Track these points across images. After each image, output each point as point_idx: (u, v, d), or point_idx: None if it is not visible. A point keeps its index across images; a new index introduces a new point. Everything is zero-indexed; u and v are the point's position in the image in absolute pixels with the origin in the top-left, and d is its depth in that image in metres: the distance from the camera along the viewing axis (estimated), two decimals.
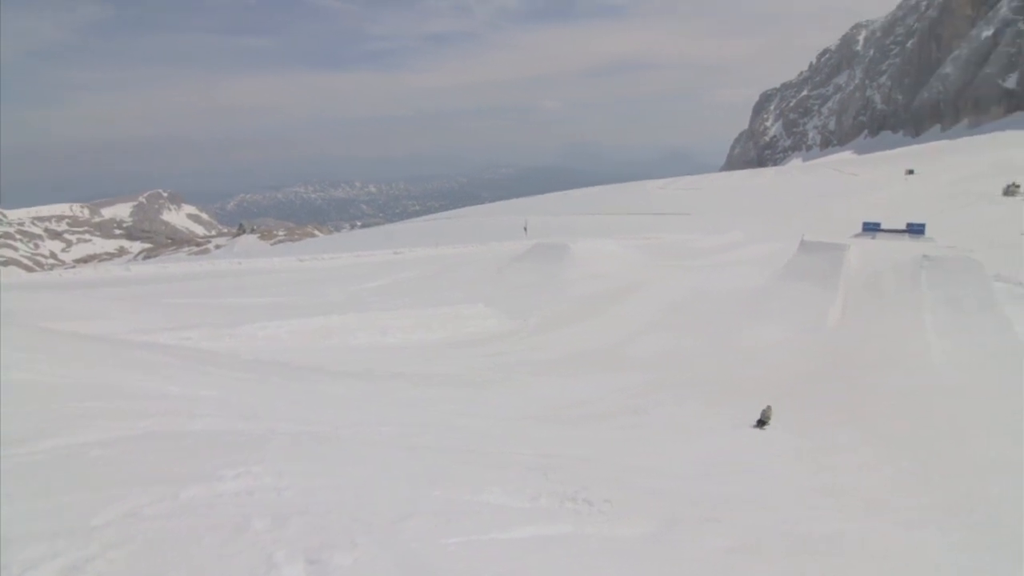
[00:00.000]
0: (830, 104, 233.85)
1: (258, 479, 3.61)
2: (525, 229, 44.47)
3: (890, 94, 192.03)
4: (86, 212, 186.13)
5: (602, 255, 27.15)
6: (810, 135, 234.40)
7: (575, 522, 3.40)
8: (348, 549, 2.64)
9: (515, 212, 62.77)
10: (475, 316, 18.72)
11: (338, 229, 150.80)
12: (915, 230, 28.68)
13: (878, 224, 30.62)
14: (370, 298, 22.00)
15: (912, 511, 5.66)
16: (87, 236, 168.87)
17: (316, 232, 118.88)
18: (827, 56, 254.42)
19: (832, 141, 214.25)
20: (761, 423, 9.16)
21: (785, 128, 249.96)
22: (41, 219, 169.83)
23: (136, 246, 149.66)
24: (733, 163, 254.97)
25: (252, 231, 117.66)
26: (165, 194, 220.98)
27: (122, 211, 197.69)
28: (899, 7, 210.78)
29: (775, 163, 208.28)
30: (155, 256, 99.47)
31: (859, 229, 30.90)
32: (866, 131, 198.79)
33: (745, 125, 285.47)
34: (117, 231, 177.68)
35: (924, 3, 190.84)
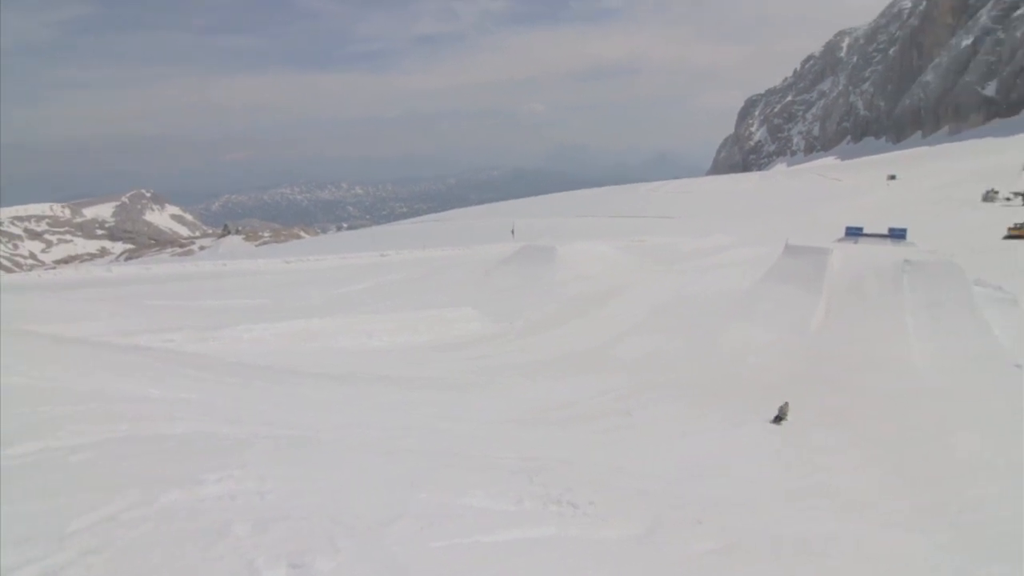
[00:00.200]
0: (814, 110, 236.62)
1: (240, 483, 3.57)
2: (512, 232, 44.48)
3: (873, 100, 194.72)
4: (67, 212, 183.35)
5: (589, 258, 27.22)
6: (794, 140, 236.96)
7: (559, 524, 3.40)
8: (330, 554, 2.62)
9: (502, 215, 62.78)
10: (461, 319, 18.68)
11: (324, 231, 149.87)
12: (897, 235, 29.06)
13: (860, 229, 31.01)
14: (356, 301, 21.89)
15: (898, 512, 5.73)
16: (68, 236, 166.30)
17: (302, 234, 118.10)
18: (811, 63, 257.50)
19: (816, 146, 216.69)
20: (778, 419, 9.30)
21: (770, 133, 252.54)
22: (20, 219, 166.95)
23: (118, 247, 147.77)
24: (719, 167, 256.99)
25: (237, 232, 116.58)
26: (148, 194, 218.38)
27: (104, 211, 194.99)
28: (882, 15, 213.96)
29: (760, 168, 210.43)
30: (137, 257, 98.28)
31: (842, 233, 31.26)
32: (849, 137, 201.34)
33: (731, 130, 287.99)
34: (99, 231, 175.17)
35: (906, 12, 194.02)
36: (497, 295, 22.08)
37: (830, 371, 12.95)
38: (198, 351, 13.83)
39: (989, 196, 49.47)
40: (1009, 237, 31.85)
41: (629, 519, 3.74)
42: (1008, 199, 48.46)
